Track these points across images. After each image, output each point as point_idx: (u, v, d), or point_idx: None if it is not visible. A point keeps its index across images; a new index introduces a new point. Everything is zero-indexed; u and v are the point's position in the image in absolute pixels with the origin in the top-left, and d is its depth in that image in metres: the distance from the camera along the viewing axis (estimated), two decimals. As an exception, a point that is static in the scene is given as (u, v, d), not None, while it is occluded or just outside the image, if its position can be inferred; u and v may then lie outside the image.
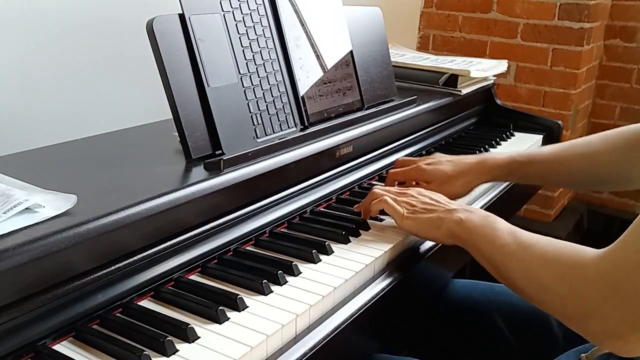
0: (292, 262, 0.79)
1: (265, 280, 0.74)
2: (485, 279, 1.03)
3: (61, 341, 0.64)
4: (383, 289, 0.80)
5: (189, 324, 0.65)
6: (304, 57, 1.05)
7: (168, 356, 0.61)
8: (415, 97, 1.30)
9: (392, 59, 1.33)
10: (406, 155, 1.24)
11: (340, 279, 0.77)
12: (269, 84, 0.97)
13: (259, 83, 0.95)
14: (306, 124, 1.03)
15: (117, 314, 0.69)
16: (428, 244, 0.94)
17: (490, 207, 1.14)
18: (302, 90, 1.03)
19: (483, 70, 1.53)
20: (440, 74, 1.49)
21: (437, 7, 2.40)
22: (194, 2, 0.87)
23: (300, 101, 1.02)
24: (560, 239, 0.73)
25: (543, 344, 1.01)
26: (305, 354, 0.66)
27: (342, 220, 0.95)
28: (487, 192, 1.19)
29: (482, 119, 1.63)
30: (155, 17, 0.83)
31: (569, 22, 2.16)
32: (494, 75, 1.61)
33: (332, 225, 0.92)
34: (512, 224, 0.79)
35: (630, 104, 2.43)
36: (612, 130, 0.99)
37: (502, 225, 0.79)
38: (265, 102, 0.96)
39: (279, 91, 0.99)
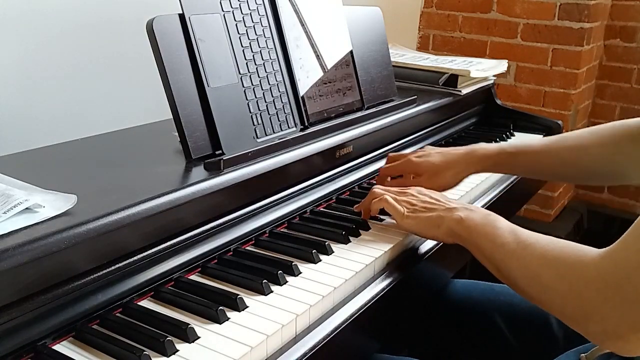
0: (292, 262, 0.79)
1: (265, 280, 0.74)
2: (485, 278, 1.03)
3: (61, 341, 0.64)
4: (383, 289, 0.80)
5: (189, 324, 0.65)
6: (304, 57, 1.05)
7: (168, 356, 0.61)
8: (415, 97, 1.30)
9: (392, 59, 1.33)
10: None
11: (340, 279, 0.77)
12: (269, 84, 0.97)
13: (259, 83, 0.95)
14: (306, 124, 1.03)
15: (117, 314, 0.69)
16: (428, 244, 0.93)
17: (491, 207, 1.14)
18: (302, 90, 1.03)
19: (483, 70, 1.53)
20: (440, 74, 1.49)
21: (437, 7, 2.40)
22: (194, 2, 0.87)
23: (300, 101, 1.02)
24: (561, 238, 0.73)
25: (543, 344, 1.01)
26: (305, 354, 0.66)
27: (342, 220, 0.95)
28: (487, 192, 1.19)
29: (482, 119, 1.63)
30: (155, 17, 0.83)
31: (569, 22, 2.16)
32: (494, 75, 1.61)
33: (332, 225, 0.92)
34: (512, 223, 0.79)
35: (630, 104, 2.43)
36: (605, 124, 0.98)
37: (502, 224, 0.79)
38: (265, 102, 0.96)
39: (279, 91, 0.99)
